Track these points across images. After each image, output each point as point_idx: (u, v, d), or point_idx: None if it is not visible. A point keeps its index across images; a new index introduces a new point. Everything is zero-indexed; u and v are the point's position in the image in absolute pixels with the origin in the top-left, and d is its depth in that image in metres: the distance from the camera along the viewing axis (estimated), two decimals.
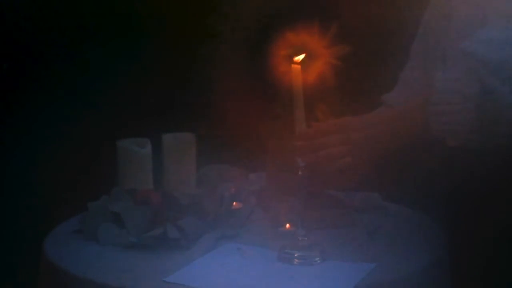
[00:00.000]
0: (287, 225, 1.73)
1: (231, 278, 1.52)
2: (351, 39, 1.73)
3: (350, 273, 1.52)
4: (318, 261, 1.58)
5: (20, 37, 2.93)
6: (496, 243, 1.61)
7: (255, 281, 1.51)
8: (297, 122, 1.62)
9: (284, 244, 1.62)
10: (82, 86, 2.90)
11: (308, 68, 1.63)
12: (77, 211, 1.81)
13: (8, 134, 2.90)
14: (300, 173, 1.60)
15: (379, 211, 1.88)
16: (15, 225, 2.78)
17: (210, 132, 1.81)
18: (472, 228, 1.64)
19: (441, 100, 1.51)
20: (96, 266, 1.58)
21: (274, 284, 1.51)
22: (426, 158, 1.77)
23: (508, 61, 1.46)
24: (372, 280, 1.51)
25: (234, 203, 1.83)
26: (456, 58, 1.57)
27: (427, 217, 1.82)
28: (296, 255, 1.59)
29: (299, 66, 1.60)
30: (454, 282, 1.62)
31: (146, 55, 2.90)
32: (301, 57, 1.60)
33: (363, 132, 1.65)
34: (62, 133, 2.82)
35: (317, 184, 1.70)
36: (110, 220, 1.71)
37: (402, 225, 1.80)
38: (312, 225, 1.68)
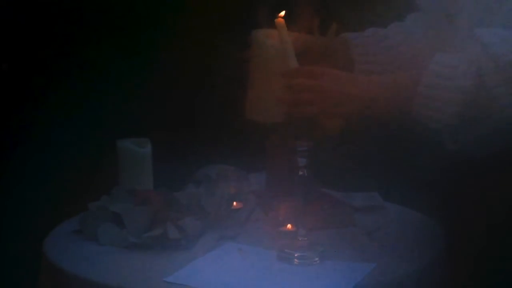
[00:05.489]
0: (287, 225, 1.73)
1: (231, 278, 1.52)
2: None
3: (350, 273, 1.52)
4: (318, 261, 1.58)
5: (20, 37, 2.92)
6: (496, 243, 1.61)
7: (255, 281, 1.51)
8: None
9: (284, 244, 1.62)
10: (82, 86, 2.90)
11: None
12: (77, 211, 1.81)
13: (8, 134, 2.90)
14: (300, 173, 1.60)
15: (379, 211, 1.88)
16: (15, 225, 2.78)
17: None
18: (471, 228, 1.64)
19: (432, 84, 1.48)
20: (96, 266, 1.58)
21: (274, 284, 1.51)
22: (425, 157, 1.76)
23: None
24: (372, 280, 1.51)
25: (234, 203, 1.83)
26: (462, 45, 1.53)
27: (427, 217, 1.82)
28: (295, 255, 1.59)
29: (283, 20, 1.63)
30: (454, 282, 1.62)
31: (147, 54, 2.90)
32: (283, 13, 1.63)
33: (341, 86, 1.57)
34: (62, 133, 2.82)
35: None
36: (110, 220, 1.71)
37: (402, 225, 1.80)
38: (312, 225, 1.68)
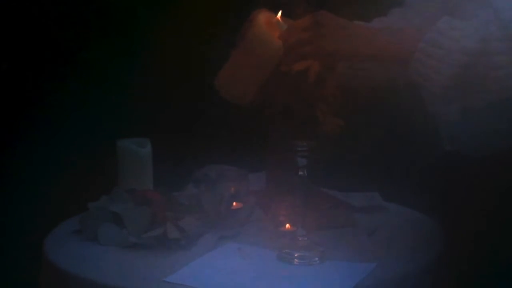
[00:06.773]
0: (287, 225, 1.73)
1: (231, 278, 1.53)
2: None
3: (350, 273, 1.52)
4: (318, 261, 1.58)
5: (20, 37, 2.93)
6: (496, 243, 1.61)
7: (255, 281, 1.51)
8: None
9: (284, 244, 1.62)
10: (83, 86, 2.90)
11: None
12: (77, 211, 1.81)
13: (8, 134, 2.91)
14: (300, 173, 1.60)
15: (379, 211, 1.88)
16: (15, 225, 2.78)
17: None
18: (471, 227, 1.64)
19: (433, 41, 1.44)
20: (96, 266, 1.58)
21: (274, 284, 1.51)
22: (424, 157, 1.76)
23: None
24: (372, 280, 1.51)
25: (234, 203, 1.83)
26: (468, 8, 1.49)
27: (427, 217, 1.82)
28: (295, 255, 1.59)
29: (279, 17, 1.62)
30: (454, 282, 1.62)
31: (147, 54, 2.90)
32: (279, 13, 1.62)
33: (338, 27, 1.53)
34: (62, 133, 2.82)
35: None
36: (110, 220, 1.71)
37: (402, 225, 1.80)
38: (312, 225, 1.68)
